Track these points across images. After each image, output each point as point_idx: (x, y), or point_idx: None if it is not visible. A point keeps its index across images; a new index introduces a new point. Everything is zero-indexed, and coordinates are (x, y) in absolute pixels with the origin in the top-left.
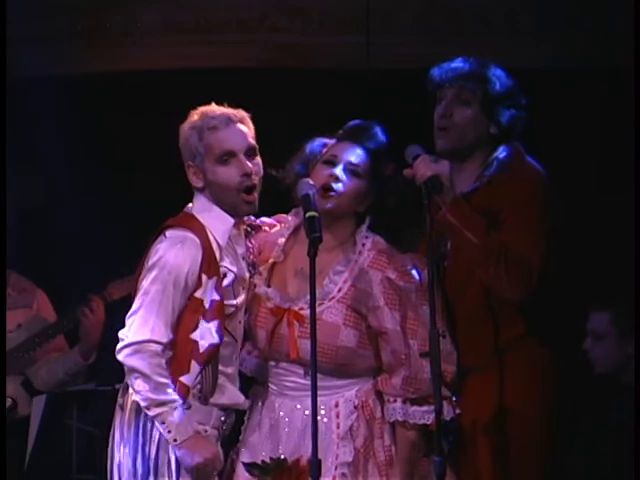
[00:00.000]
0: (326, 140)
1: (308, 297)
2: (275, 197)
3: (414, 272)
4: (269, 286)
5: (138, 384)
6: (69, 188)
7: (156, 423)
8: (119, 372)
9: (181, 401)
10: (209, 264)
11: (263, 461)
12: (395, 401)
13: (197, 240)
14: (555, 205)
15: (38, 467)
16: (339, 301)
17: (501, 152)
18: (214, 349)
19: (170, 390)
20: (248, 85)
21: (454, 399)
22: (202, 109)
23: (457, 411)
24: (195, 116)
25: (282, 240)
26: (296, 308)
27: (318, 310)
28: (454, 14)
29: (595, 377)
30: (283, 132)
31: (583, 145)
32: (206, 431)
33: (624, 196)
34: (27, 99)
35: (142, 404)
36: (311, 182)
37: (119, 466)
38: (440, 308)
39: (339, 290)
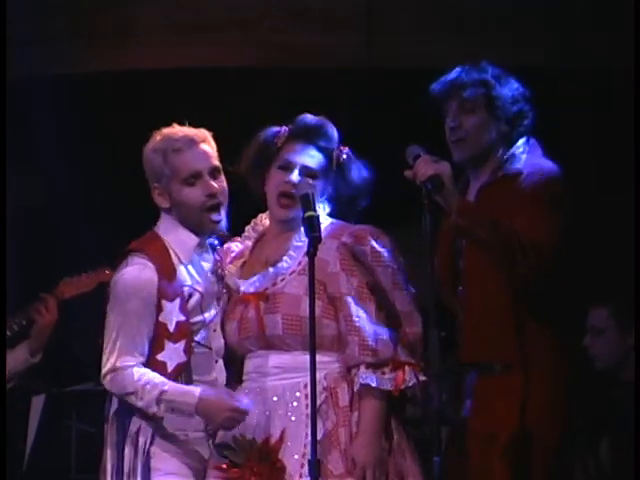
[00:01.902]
0: (277, 129)
1: (271, 275)
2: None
3: (380, 236)
4: (239, 279)
5: (132, 401)
6: (69, 188)
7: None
8: None
9: (166, 384)
10: (168, 288)
11: (234, 438)
12: (358, 368)
13: (153, 266)
14: (569, 202)
15: (37, 467)
16: (300, 273)
17: (517, 148)
18: (182, 367)
19: (156, 380)
20: (248, 85)
21: (467, 403)
22: (164, 131)
23: (421, 378)
24: (158, 137)
25: (249, 243)
26: (261, 289)
27: (280, 285)
28: (455, 13)
29: (596, 374)
30: None
31: (583, 144)
32: (186, 435)
33: (623, 194)
34: (27, 99)
35: (149, 414)
36: (310, 182)
37: (107, 470)
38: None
39: (299, 263)
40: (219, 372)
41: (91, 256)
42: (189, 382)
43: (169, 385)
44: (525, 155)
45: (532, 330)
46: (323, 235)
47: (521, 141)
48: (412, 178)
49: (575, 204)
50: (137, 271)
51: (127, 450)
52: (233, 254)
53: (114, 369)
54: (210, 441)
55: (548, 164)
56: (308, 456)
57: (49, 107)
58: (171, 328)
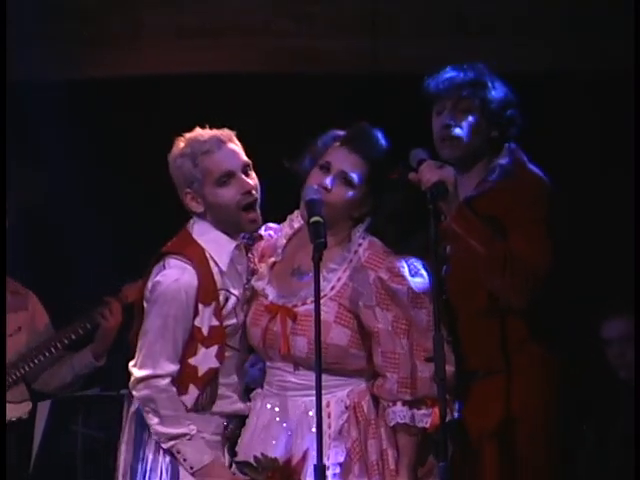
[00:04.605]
0: (338, 133)
1: (303, 294)
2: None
3: (419, 273)
4: (267, 284)
5: (150, 417)
6: (71, 189)
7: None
8: (124, 377)
9: (195, 430)
10: (206, 292)
11: (255, 457)
12: (395, 404)
13: (193, 270)
14: (559, 210)
15: (43, 472)
16: (331, 299)
17: (503, 158)
18: (213, 372)
19: (182, 421)
20: (253, 90)
21: (456, 405)
22: (188, 136)
23: (455, 414)
24: (182, 143)
25: (283, 241)
26: (290, 305)
27: (310, 307)
28: (460, 18)
29: (618, 382)
30: (288, 137)
31: (587, 146)
32: (204, 438)
33: (626, 199)
34: (32, 103)
35: (154, 437)
36: (316, 187)
37: (120, 470)
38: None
39: (332, 288)
40: (240, 376)
41: (92, 256)
42: (215, 386)
43: (195, 433)
44: (512, 166)
45: (513, 339)
46: (359, 260)
47: (505, 148)
48: (416, 182)
49: (570, 212)
50: (177, 274)
51: (148, 451)
52: (266, 243)
53: (154, 376)
54: (226, 447)
55: (536, 176)
56: (330, 478)
57: (54, 111)
58: (205, 332)
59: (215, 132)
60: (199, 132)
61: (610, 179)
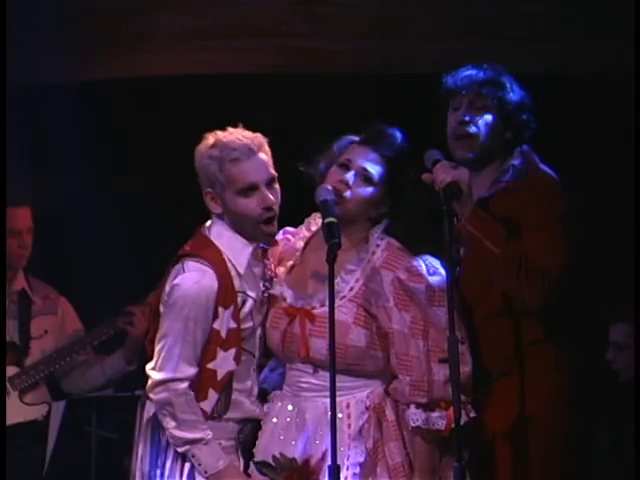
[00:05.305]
0: (353, 137)
1: (321, 296)
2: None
3: (437, 271)
4: (286, 287)
5: (166, 421)
6: (83, 190)
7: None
8: (138, 378)
9: (210, 435)
10: (225, 295)
11: (274, 457)
12: (409, 407)
13: (214, 273)
14: (572, 211)
15: (57, 473)
16: (350, 300)
17: (515, 159)
18: (230, 375)
19: (199, 426)
20: (264, 91)
21: (470, 405)
22: (221, 137)
23: (471, 415)
24: (212, 142)
25: (301, 244)
26: (308, 307)
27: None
28: (469, 19)
29: (620, 386)
30: (302, 138)
31: (587, 146)
32: (220, 444)
33: (626, 199)
34: (47, 105)
35: (170, 441)
36: (329, 188)
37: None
38: (457, 314)
39: (350, 289)
40: (254, 381)
41: (109, 259)
42: (229, 391)
43: (211, 438)
44: (525, 167)
45: (528, 340)
46: (377, 261)
47: (517, 150)
48: (430, 182)
49: (582, 215)
50: (197, 277)
51: (165, 457)
52: (284, 247)
53: (173, 379)
54: (239, 451)
55: (549, 177)
56: (349, 478)
57: (69, 113)
58: (224, 335)
59: (248, 139)
60: (232, 134)
61: (610, 179)
